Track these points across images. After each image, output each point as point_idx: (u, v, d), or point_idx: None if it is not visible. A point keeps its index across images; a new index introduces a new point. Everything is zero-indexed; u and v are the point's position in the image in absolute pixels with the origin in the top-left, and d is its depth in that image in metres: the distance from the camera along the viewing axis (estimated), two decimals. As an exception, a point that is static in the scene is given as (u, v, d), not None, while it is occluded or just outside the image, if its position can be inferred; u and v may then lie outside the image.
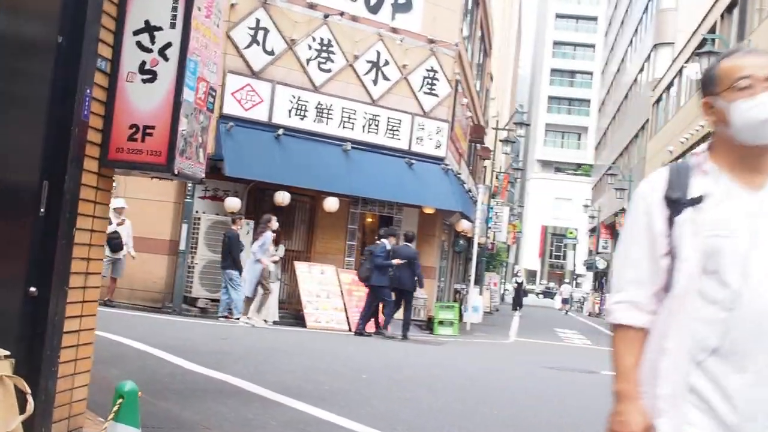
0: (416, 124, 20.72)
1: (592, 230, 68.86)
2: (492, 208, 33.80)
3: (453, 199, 21.12)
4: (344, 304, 18.54)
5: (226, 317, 17.03)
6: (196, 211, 18.00)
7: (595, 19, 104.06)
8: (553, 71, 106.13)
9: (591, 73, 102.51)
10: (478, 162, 36.43)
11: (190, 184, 16.99)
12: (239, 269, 17.02)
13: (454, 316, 21.16)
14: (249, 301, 16.82)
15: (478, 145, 33.45)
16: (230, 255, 16.98)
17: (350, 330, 18.04)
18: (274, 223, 17.12)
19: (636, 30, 55.00)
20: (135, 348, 10.36)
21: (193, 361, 9.63)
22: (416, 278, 17.69)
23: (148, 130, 5.30)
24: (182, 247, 17.05)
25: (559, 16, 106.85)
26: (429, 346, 16.48)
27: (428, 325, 21.01)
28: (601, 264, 61.50)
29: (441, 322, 20.85)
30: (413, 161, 20.44)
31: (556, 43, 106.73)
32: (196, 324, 15.48)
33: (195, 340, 12.35)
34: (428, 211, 21.02)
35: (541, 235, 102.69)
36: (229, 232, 17.20)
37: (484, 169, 41.05)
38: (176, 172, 5.33)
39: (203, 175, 5.87)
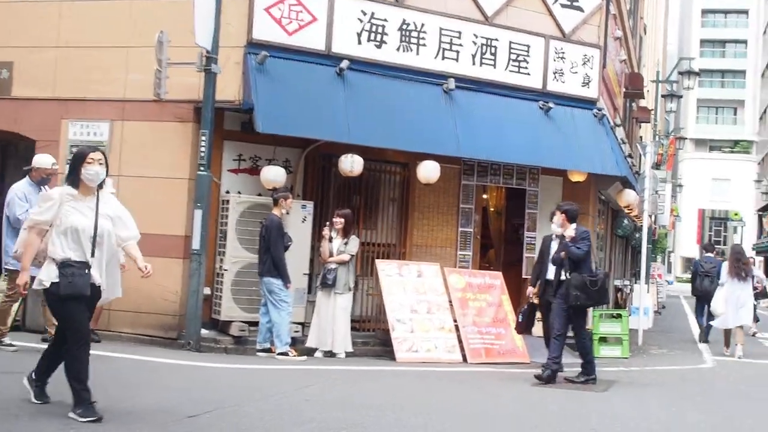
0: (553, 51, 14.10)
1: (764, 209, 60.65)
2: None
3: (612, 159, 14.39)
4: (455, 321, 12.21)
5: (268, 351, 11.03)
6: (227, 192, 12.08)
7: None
8: (703, 42, 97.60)
9: (745, 42, 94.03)
10: (634, 127, 29.31)
11: (203, 146, 11.00)
12: (283, 277, 10.97)
13: (623, 330, 14.43)
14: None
15: (633, 103, 26.49)
16: (270, 254, 10.96)
17: (464, 360, 11.77)
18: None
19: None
20: None
21: None
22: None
23: None
24: (195, 245, 11.03)
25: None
26: (587, 395, 9.79)
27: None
28: (776, 246, 53.87)
29: (603, 339, 14.24)
30: (551, 105, 13.89)
31: (705, 12, 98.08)
32: (208, 370, 9.50)
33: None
34: (577, 178, 14.31)
35: (698, 219, 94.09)
36: (268, 219, 11.16)
37: (641, 139, 33.73)
38: None
39: None
